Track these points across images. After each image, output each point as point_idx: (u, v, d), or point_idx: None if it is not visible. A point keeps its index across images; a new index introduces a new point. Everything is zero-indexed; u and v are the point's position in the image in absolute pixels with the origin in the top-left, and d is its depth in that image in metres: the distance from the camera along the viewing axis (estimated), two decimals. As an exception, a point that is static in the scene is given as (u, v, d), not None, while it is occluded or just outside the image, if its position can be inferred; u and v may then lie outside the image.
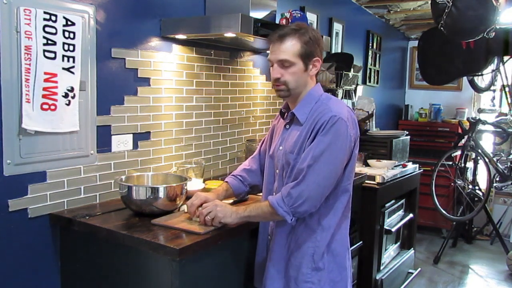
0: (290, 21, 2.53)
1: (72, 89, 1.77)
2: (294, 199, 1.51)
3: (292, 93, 1.63)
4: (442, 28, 3.11)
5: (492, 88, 4.88)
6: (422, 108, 5.53)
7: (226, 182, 1.91)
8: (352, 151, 1.60)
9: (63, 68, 1.73)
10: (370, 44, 4.59)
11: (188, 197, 1.97)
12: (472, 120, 4.39)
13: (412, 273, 3.49)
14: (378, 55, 4.82)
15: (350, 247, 1.81)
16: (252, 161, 1.95)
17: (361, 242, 2.82)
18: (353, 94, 3.95)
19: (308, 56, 1.58)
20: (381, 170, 3.03)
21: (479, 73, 4.43)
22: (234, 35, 2.02)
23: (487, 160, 4.25)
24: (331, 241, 1.64)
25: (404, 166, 3.37)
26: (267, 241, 1.77)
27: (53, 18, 1.68)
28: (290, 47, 1.56)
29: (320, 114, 1.57)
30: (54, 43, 1.69)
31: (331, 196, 1.60)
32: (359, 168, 3.06)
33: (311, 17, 3.36)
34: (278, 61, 1.59)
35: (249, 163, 1.95)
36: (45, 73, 1.67)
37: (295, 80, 1.60)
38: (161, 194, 1.74)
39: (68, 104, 1.76)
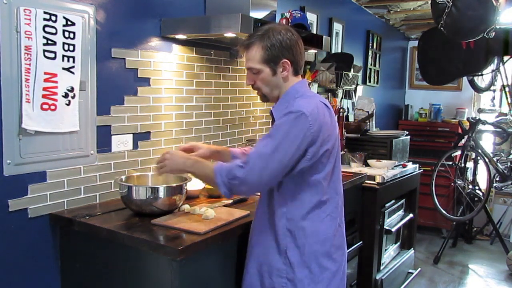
0: (290, 21, 2.53)
1: (72, 89, 1.77)
2: (233, 177, 1.50)
3: (269, 97, 1.67)
4: (442, 28, 3.11)
5: (492, 88, 4.88)
6: (422, 108, 5.53)
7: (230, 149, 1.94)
8: (309, 145, 1.52)
9: (63, 68, 1.73)
10: (370, 44, 4.59)
11: (188, 197, 1.97)
12: (472, 120, 4.39)
13: (412, 273, 3.49)
14: (378, 55, 4.82)
15: (350, 247, 1.79)
16: None
17: (361, 242, 2.82)
18: (353, 94, 3.95)
19: (273, 60, 1.58)
20: (381, 170, 3.03)
21: (479, 73, 4.43)
22: (234, 35, 2.02)
23: (487, 160, 4.25)
24: (310, 239, 1.60)
25: (404, 166, 3.37)
26: None
27: (53, 18, 1.68)
28: (254, 55, 1.59)
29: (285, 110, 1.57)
30: (54, 43, 1.69)
31: (296, 189, 1.58)
32: (359, 168, 3.06)
33: (311, 17, 3.36)
34: (248, 69, 1.64)
35: None
36: (45, 73, 1.67)
37: (265, 85, 1.63)
38: (161, 194, 1.74)
39: (68, 104, 1.76)
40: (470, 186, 4.58)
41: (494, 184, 4.37)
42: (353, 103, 3.99)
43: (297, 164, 1.53)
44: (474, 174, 4.61)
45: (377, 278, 2.96)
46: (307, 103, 1.55)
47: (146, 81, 2.13)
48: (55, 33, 1.69)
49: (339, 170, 1.71)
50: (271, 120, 1.75)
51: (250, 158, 1.50)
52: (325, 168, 1.60)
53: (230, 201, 1.99)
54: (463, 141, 4.49)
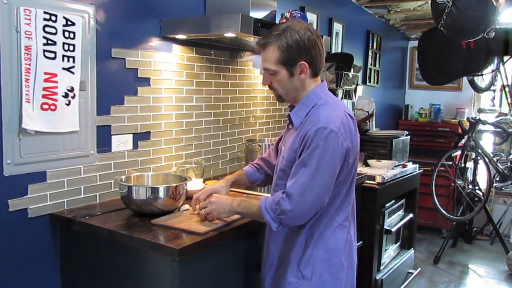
0: (290, 21, 2.53)
1: (72, 89, 1.77)
2: (281, 210, 1.48)
3: (285, 98, 1.62)
4: (442, 28, 3.11)
5: (492, 88, 4.88)
6: (422, 108, 5.53)
7: (242, 169, 1.93)
8: (344, 160, 1.52)
9: (63, 68, 1.73)
10: (370, 44, 4.59)
11: (188, 197, 1.98)
12: (472, 120, 4.39)
13: (412, 273, 3.49)
14: (378, 55, 4.82)
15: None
16: (270, 152, 1.94)
17: (361, 242, 2.82)
18: (353, 94, 3.95)
19: (290, 62, 1.52)
20: (381, 170, 3.03)
21: (479, 73, 4.43)
22: (234, 35, 2.02)
23: (487, 160, 4.25)
24: (324, 249, 1.59)
25: (404, 166, 3.37)
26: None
27: (53, 18, 1.68)
28: (270, 56, 1.53)
29: (311, 123, 1.51)
30: (54, 43, 1.69)
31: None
32: (359, 168, 3.06)
33: (311, 17, 3.36)
34: (264, 70, 1.59)
35: (268, 153, 1.94)
36: (45, 73, 1.67)
37: (282, 87, 1.58)
38: (161, 194, 1.74)
39: (68, 104, 1.76)
40: (470, 186, 4.58)
41: (494, 184, 4.37)
42: (353, 103, 3.99)
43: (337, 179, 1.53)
44: (474, 174, 4.61)
45: (377, 278, 2.96)
46: (333, 116, 1.50)
47: (146, 81, 2.13)
48: (55, 33, 1.69)
49: (355, 179, 1.67)
50: (287, 123, 1.71)
51: (292, 191, 1.47)
52: (349, 178, 1.60)
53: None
54: (463, 141, 4.49)
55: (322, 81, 1.63)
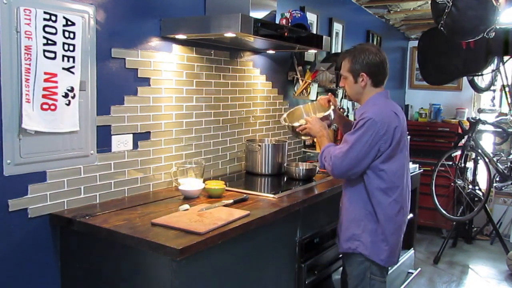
0: (290, 21, 2.53)
1: (72, 89, 1.77)
2: (324, 164, 2.06)
3: (351, 97, 2.17)
4: (442, 28, 3.11)
5: (492, 88, 4.88)
6: (422, 108, 5.53)
7: None
8: (381, 143, 1.94)
9: (63, 68, 1.73)
10: (370, 44, 4.58)
11: (188, 197, 1.98)
12: (472, 120, 4.39)
13: (412, 273, 3.49)
14: (378, 55, 4.81)
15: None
16: None
17: (361, 242, 2.81)
18: (353, 94, 3.94)
19: (356, 71, 2.03)
20: (381, 170, 3.02)
21: (479, 73, 4.43)
22: (234, 35, 2.02)
23: (487, 160, 4.25)
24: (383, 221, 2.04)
25: (404, 166, 3.36)
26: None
27: (53, 18, 1.68)
28: (344, 65, 2.08)
29: (361, 115, 1.99)
30: (54, 43, 1.69)
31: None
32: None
33: (311, 17, 3.36)
34: (341, 75, 2.13)
35: None
36: (45, 73, 1.67)
37: (348, 89, 2.12)
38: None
39: (68, 104, 1.76)
40: (470, 186, 4.58)
41: (494, 184, 4.37)
42: (353, 103, 3.99)
43: (376, 158, 1.96)
44: (474, 174, 4.60)
45: (377, 278, 2.95)
46: (380, 111, 1.96)
47: (146, 81, 2.13)
48: (55, 33, 1.69)
49: (405, 164, 2.09)
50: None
51: (333, 156, 1.98)
52: (394, 161, 2.00)
53: (231, 201, 1.99)
54: (463, 141, 4.49)
55: (384, 89, 2.09)
